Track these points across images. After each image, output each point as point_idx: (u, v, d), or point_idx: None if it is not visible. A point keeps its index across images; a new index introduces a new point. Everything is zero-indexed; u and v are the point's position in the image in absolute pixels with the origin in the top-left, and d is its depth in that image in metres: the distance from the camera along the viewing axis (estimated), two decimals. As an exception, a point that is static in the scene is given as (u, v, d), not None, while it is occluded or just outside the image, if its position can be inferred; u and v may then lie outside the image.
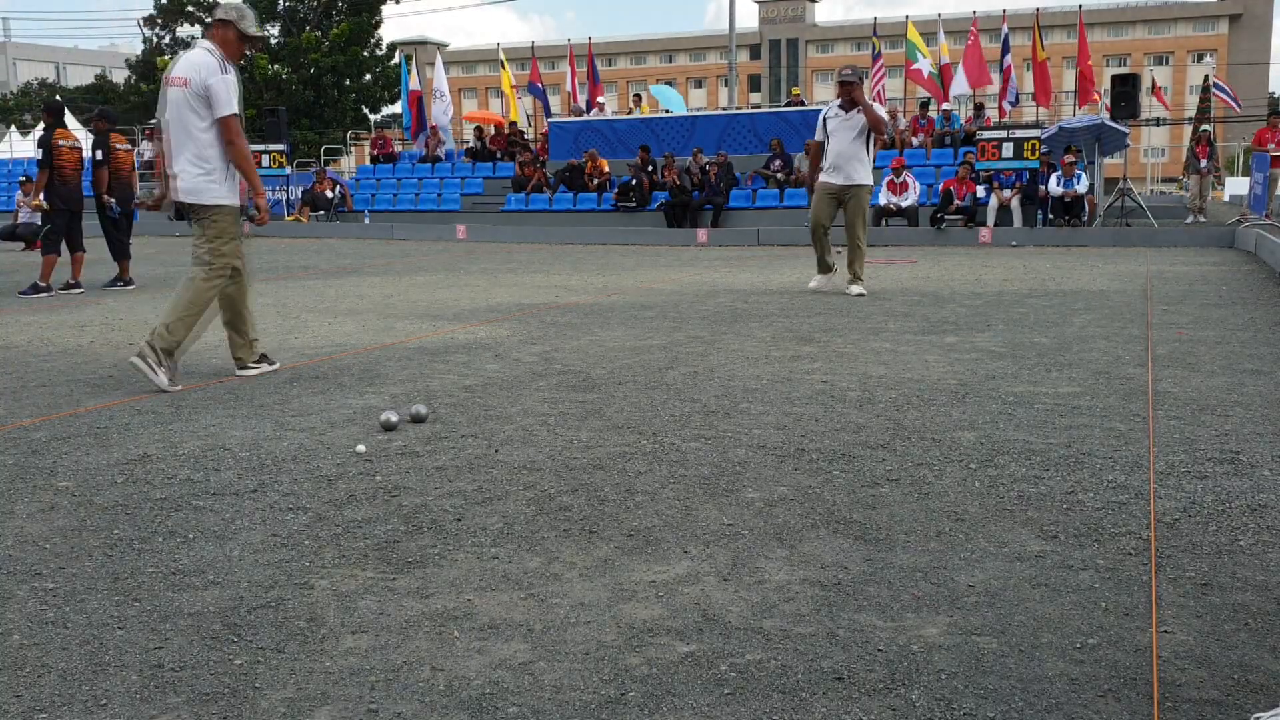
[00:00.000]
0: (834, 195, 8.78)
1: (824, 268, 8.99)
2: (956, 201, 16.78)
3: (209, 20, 5.22)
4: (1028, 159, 16.59)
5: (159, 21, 41.15)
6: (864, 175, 8.74)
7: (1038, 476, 3.36)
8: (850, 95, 8.65)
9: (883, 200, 17.06)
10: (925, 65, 21.57)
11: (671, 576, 2.56)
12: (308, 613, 2.37)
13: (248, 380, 5.17)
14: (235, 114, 5.01)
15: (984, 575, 2.55)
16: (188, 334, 5.07)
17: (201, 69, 5.00)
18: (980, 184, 17.12)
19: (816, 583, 2.51)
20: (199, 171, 5.08)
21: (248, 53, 5.19)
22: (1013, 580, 2.51)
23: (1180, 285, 9.16)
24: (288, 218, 22.52)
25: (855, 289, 8.72)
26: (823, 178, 8.83)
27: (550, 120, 24.19)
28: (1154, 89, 29.06)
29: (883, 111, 8.95)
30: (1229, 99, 27.28)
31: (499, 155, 23.58)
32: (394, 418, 4.07)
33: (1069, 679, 2.02)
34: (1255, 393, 4.59)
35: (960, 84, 21.24)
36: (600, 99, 25.13)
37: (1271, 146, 17.14)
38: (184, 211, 5.14)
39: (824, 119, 8.89)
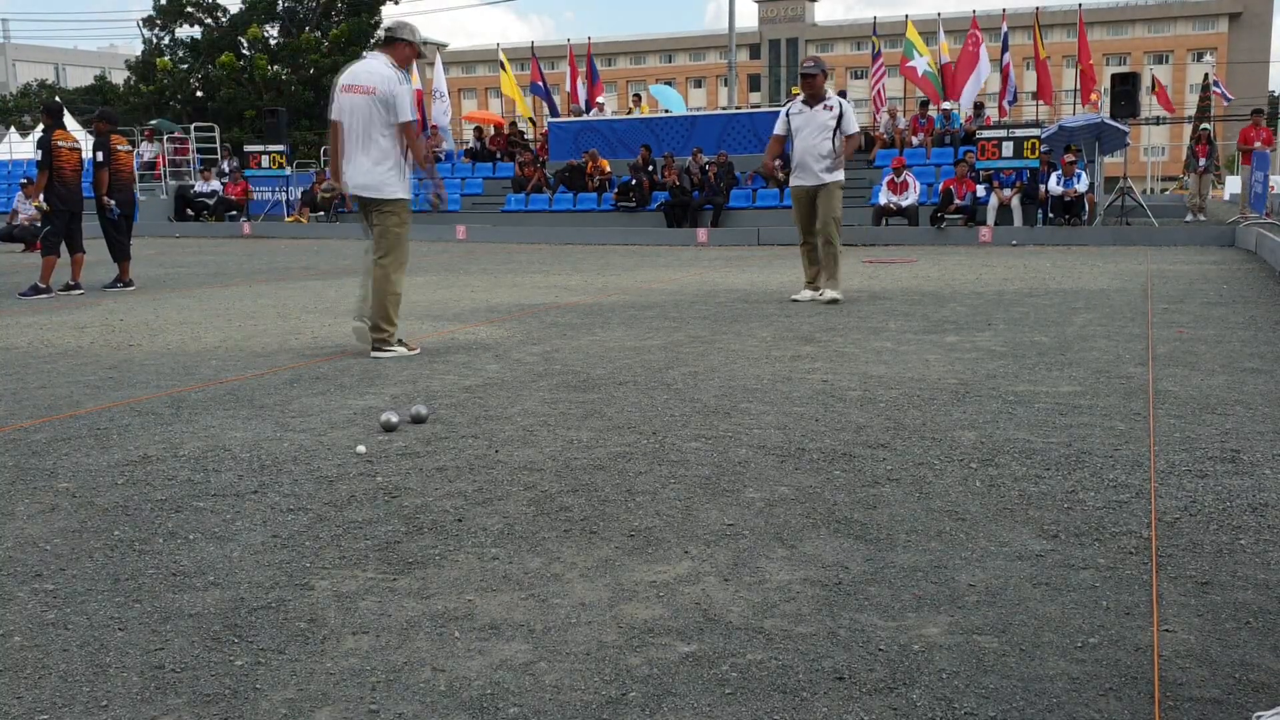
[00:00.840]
0: (808, 196, 8.28)
1: (811, 281, 8.42)
2: (956, 201, 16.79)
3: (383, 36, 5.98)
4: (1027, 158, 16.60)
5: (158, 22, 41.16)
6: (832, 173, 8.19)
7: (1038, 476, 3.36)
8: (813, 88, 8.19)
9: (883, 200, 17.08)
10: (921, 64, 21.54)
11: (672, 576, 2.56)
12: (308, 613, 2.37)
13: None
14: (414, 120, 5.65)
15: (985, 574, 2.55)
16: (395, 313, 5.84)
17: (387, 80, 5.64)
18: (980, 183, 17.13)
19: (817, 582, 2.51)
20: (382, 169, 5.76)
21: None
22: (1014, 579, 2.51)
23: (1180, 284, 9.16)
24: (287, 219, 22.53)
25: (828, 294, 8.12)
26: (793, 180, 8.36)
27: (550, 120, 24.18)
28: (1156, 88, 28.99)
29: (855, 127, 8.38)
30: (1221, 94, 27.52)
31: (499, 155, 23.59)
32: (394, 418, 4.07)
33: (1070, 678, 2.02)
34: (1256, 391, 4.58)
35: (967, 92, 21.04)
36: (600, 99, 25.13)
37: (1258, 144, 17.26)
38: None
39: (787, 114, 8.38)
